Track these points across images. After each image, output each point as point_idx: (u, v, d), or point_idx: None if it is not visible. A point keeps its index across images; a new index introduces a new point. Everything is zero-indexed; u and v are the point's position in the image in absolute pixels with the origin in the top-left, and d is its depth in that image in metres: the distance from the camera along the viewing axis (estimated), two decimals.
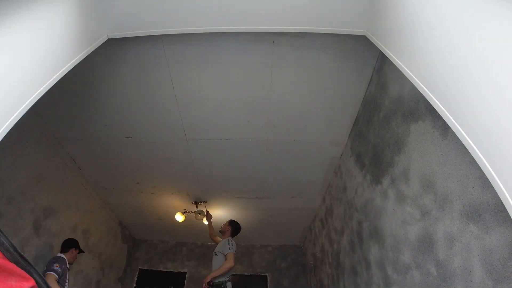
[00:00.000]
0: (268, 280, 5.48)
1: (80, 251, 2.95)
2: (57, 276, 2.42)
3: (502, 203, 0.77)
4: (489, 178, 0.78)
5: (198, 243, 5.95)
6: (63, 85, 1.46)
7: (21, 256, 0.60)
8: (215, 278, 2.84)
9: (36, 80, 1.14)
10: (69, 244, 2.85)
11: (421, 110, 1.51)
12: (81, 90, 2.38)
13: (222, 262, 2.94)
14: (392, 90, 1.84)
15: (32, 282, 0.56)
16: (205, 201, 4.29)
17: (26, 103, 1.07)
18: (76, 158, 3.28)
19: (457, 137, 0.90)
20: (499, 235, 1.01)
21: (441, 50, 0.95)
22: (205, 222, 4.28)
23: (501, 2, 0.73)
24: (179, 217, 4.42)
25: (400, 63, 1.20)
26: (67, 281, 2.59)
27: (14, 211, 2.56)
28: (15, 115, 1.02)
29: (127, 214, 4.89)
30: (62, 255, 2.71)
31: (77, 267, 3.88)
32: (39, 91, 1.13)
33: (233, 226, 3.38)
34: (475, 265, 1.12)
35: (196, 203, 4.30)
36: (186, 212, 4.45)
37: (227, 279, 2.91)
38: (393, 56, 1.26)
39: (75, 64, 1.35)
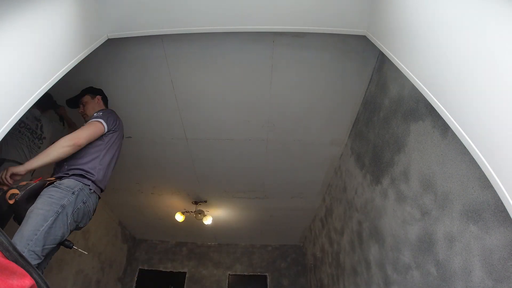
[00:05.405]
0: (268, 280, 5.48)
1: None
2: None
3: (502, 203, 0.77)
4: (489, 178, 0.78)
5: (198, 243, 5.95)
6: (63, 85, 1.46)
7: (21, 256, 0.60)
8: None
9: (36, 80, 1.14)
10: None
11: (421, 110, 1.51)
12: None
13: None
14: (392, 90, 1.84)
15: (32, 281, 0.56)
16: (205, 201, 4.29)
17: (26, 103, 1.08)
18: None
19: (457, 137, 0.89)
20: (499, 235, 1.01)
21: (441, 50, 0.95)
22: (191, 218, 4.21)
23: (501, 2, 0.73)
24: (179, 217, 4.43)
25: (400, 63, 1.20)
26: None
27: None
28: (15, 115, 1.02)
29: (127, 214, 4.89)
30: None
31: (77, 267, 3.88)
32: (39, 91, 1.13)
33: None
34: (475, 265, 1.12)
35: (196, 203, 4.30)
36: (186, 212, 4.45)
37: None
38: (393, 56, 1.26)
39: (75, 64, 1.35)
